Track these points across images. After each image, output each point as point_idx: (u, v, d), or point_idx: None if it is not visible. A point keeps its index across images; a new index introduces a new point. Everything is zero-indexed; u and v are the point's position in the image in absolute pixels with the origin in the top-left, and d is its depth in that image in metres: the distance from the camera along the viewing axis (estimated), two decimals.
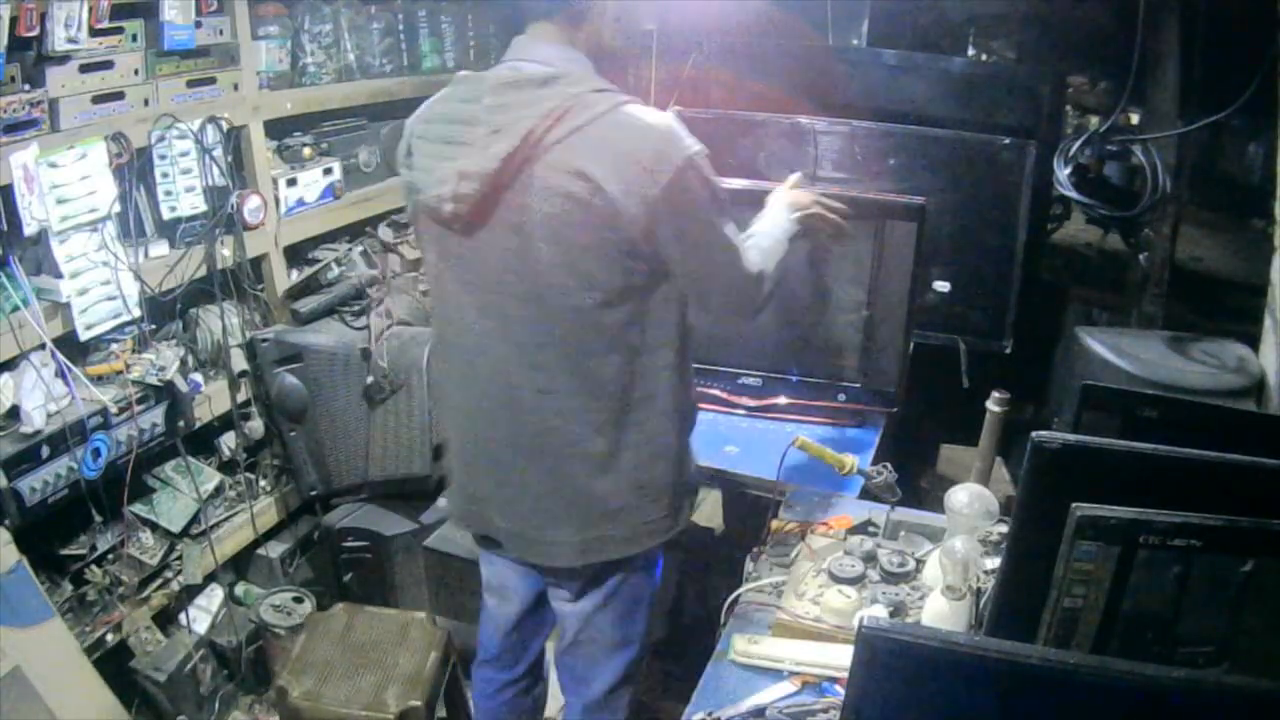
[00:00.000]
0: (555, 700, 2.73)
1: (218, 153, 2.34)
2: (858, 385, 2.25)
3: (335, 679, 2.09)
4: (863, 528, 1.75)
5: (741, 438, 2.23)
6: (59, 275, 2.02)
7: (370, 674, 2.11)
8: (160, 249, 2.29)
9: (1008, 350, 2.54)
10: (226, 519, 2.49)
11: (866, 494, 1.92)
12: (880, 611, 1.53)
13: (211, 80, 2.34)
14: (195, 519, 2.38)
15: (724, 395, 2.33)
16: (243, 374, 2.46)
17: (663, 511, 1.69)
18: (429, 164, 1.54)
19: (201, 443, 2.50)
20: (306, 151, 2.69)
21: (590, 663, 1.85)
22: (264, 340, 2.46)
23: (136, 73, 2.16)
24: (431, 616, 2.30)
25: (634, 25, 1.65)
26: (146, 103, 2.19)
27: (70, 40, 1.96)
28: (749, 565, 1.75)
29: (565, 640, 1.86)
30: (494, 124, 1.45)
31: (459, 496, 1.85)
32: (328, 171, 2.72)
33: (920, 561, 1.66)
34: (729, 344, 2.31)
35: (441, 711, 2.20)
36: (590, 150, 1.43)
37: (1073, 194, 2.63)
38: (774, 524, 1.81)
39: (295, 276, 2.65)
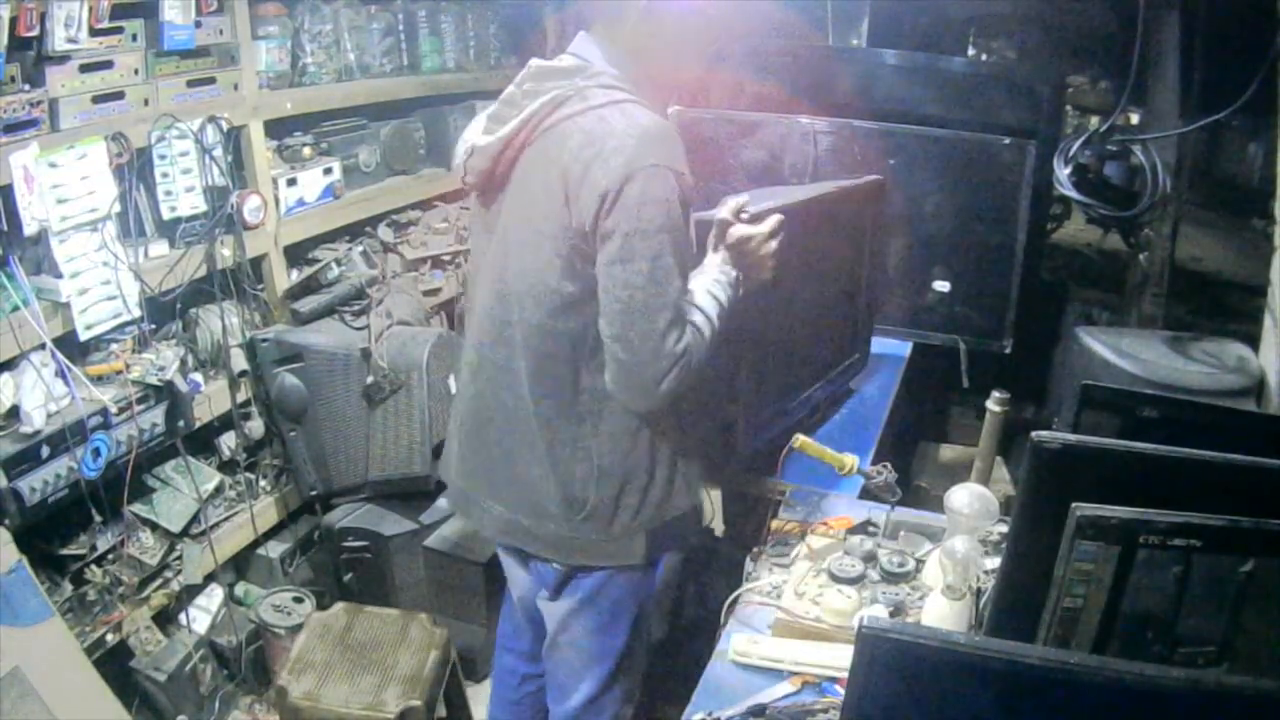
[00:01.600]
0: None
1: (218, 153, 2.34)
2: (856, 356, 2.31)
3: (335, 679, 2.08)
4: (863, 528, 1.75)
5: None
6: (59, 275, 2.02)
7: (370, 674, 2.10)
8: (160, 249, 2.29)
9: (1008, 350, 2.54)
10: (226, 519, 2.49)
11: (866, 494, 1.91)
12: (880, 611, 1.53)
13: (211, 80, 2.34)
14: (195, 519, 2.38)
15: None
16: (243, 374, 2.46)
17: (604, 536, 1.63)
18: (467, 135, 1.63)
19: (201, 443, 2.49)
20: (306, 151, 2.69)
21: (569, 671, 1.82)
22: (264, 340, 2.46)
23: (136, 73, 2.16)
24: (432, 616, 2.30)
25: (683, 33, 1.56)
26: (146, 103, 2.19)
27: (70, 40, 1.96)
28: (749, 565, 1.75)
29: (548, 641, 1.84)
30: (520, 106, 1.51)
31: (456, 481, 1.84)
32: (328, 171, 2.72)
33: (920, 561, 1.65)
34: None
35: (441, 711, 2.20)
36: (570, 139, 1.44)
37: (1073, 194, 2.63)
38: (774, 524, 1.81)
39: (295, 276, 2.64)
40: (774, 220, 1.62)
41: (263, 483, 2.62)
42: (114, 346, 2.19)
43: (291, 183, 2.61)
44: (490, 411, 1.68)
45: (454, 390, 2.67)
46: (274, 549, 2.64)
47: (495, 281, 1.60)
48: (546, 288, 1.51)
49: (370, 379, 2.52)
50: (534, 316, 1.54)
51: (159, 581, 2.29)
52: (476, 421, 1.72)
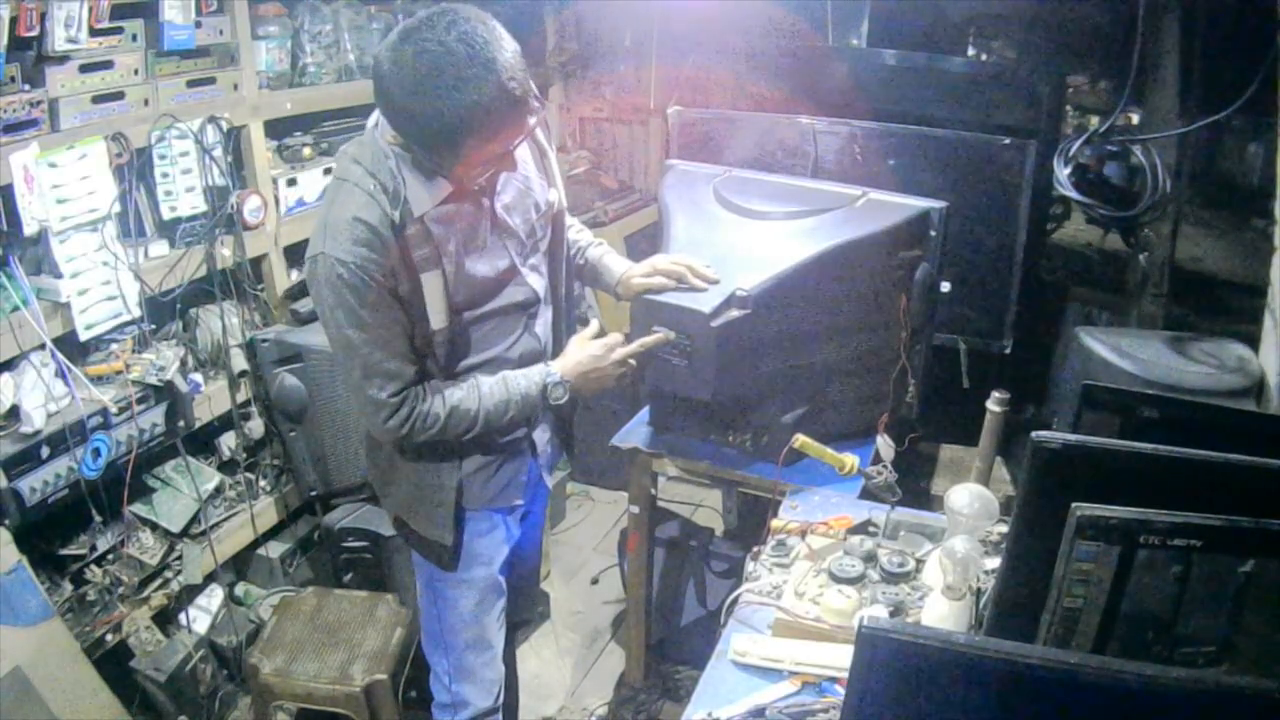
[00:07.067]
0: (554, 699, 2.74)
1: (218, 153, 2.34)
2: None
3: (304, 657, 2.15)
4: (863, 528, 1.75)
5: None
6: (59, 275, 2.02)
7: (338, 651, 2.18)
8: (160, 249, 2.29)
9: (1008, 350, 2.54)
10: (226, 519, 2.49)
11: (866, 494, 1.91)
12: (880, 611, 1.53)
13: (211, 80, 2.34)
14: (195, 519, 2.38)
15: None
16: (243, 374, 2.46)
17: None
18: None
19: (201, 443, 2.50)
20: (306, 151, 2.69)
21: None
22: (264, 340, 2.47)
23: (136, 73, 2.16)
24: (398, 597, 2.34)
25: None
26: (146, 103, 2.19)
27: (70, 40, 1.96)
28: (749, 565, 1.75)
29: None
30: None
31: None
32: (328, 171, 2.72)
33: (920, 561, 1.65)
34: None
35: (413, 694, 2.22)
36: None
37: (1073, 194, 2.62)
38: (774, 524, 1.80)
39: (295, 276, 2.64)
40: (620, 351, 1.78)
41: (263, 483, 2.62)
42: (114, 346, 2.19)
43: (291, 183, 2.61)
44: None
45: None
46: (274, 549, 2.65)
47: None
48: None
49: None
50: None
51: (159, 581, 2.30)
52: None
